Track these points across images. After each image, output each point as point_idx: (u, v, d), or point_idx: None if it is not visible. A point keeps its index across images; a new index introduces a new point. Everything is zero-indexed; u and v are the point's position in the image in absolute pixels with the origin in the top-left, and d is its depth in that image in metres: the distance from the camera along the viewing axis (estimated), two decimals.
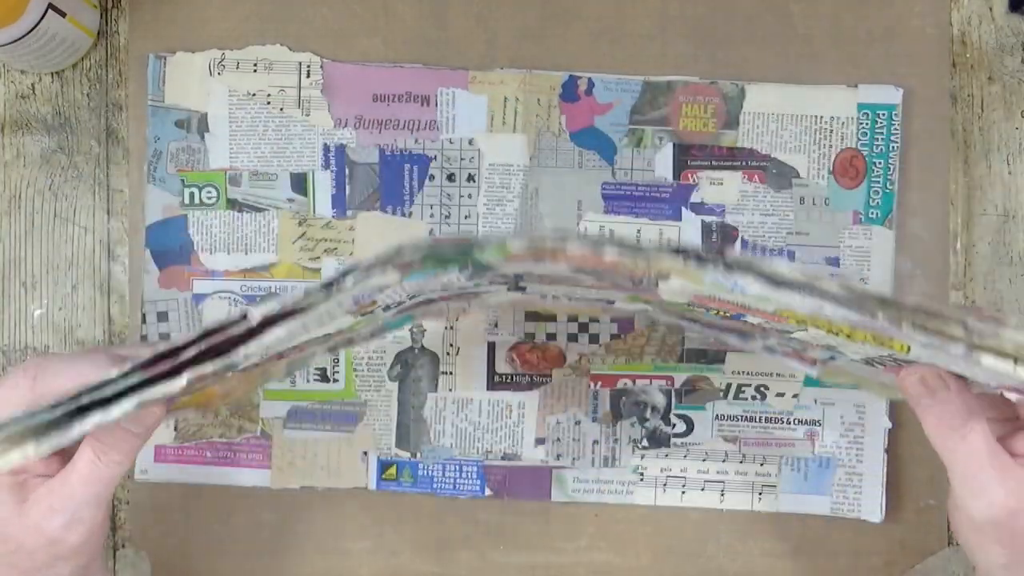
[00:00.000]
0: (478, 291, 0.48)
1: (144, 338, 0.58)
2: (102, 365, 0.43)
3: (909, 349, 0.42)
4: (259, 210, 0.59)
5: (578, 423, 0.59)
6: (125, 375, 0.39)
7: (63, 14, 0.54)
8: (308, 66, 0.59)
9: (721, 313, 0.45)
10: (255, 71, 0.59)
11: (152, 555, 0.57)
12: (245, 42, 0.59)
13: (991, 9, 0.60)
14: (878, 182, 0.59)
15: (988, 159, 0.60)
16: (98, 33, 0.59)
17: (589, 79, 0.59)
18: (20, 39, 0.53)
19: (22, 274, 0.59)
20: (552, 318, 0.59)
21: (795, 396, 0.59)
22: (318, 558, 0.58)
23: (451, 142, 0.59)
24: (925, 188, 0.58)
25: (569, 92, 0.59)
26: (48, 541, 0.43)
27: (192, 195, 0.59)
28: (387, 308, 0.46)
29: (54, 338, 0.58)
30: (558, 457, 0.59)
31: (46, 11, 0.53)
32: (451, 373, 0.59)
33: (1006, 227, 0.60)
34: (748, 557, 0.59)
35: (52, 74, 0.59)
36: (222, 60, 0.58)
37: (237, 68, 0.58)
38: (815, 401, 0.59)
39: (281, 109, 0.59)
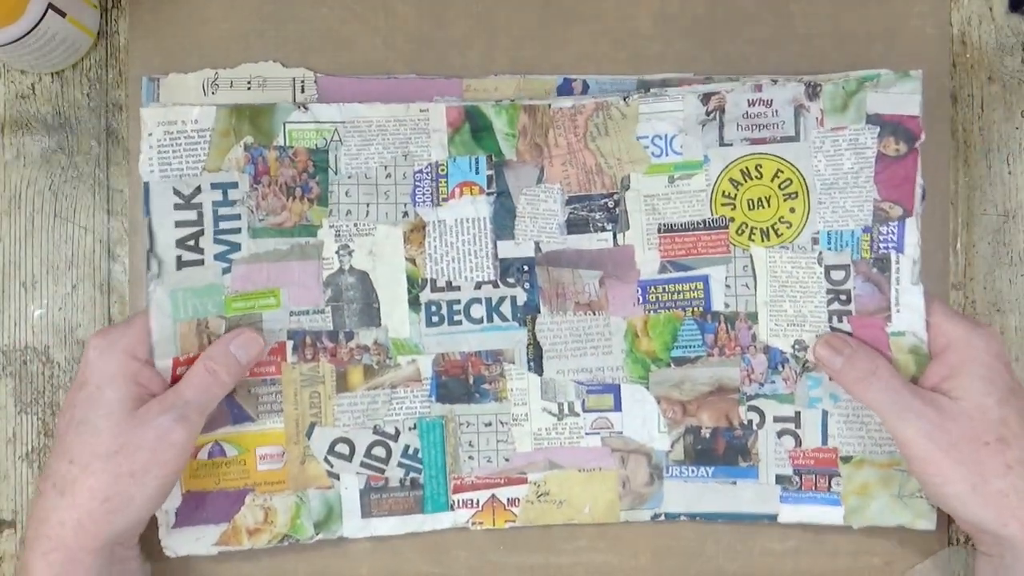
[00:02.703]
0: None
1: None
2: None
3: None
4: None
5: None
6: None
7: (63, 14, 0.54)
8: (302, 81, 0.58)
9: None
10: (249, 88, 0.58)
11: (152, 555, 0.57)
12: (245, 41, 0.59)
13: (991, 9, 0.60)
14: None
15: (988, 159, 0.60)
16: (98, 33, 0.59)
17: (584, 81, 0.59)
18: (20, 39, 0.53)
19: (22, 274, 0.59)
20: None
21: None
22: (318, 558, 0.58)
23: None
24: (925, 188, 0.58)
25: (565, 95, 0.59)
26: (156, 436, 0.50)
27: None
28: None
29: (54, 338, 0.58)
30: None
31: (46, 11, 0.53)
32: None
33: (1006, 227, 0.60)
34: (748, 557, 0.59)
35: (52, 74, 0.59)
36: (215, 79, 0.58)
37: (231, 87, 0.58)
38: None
39: None
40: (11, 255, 0.59)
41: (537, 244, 0.57)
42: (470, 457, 0.57)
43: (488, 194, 0.57)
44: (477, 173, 0.57)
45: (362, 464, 0.57)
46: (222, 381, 0.53)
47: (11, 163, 0.59)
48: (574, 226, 0.57)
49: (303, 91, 0.58)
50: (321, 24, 0.59)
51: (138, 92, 0.58)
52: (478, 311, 0.57)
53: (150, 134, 0.54)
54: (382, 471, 0.57)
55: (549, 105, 0.57)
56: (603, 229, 0.57)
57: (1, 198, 0.59)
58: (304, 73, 0.59)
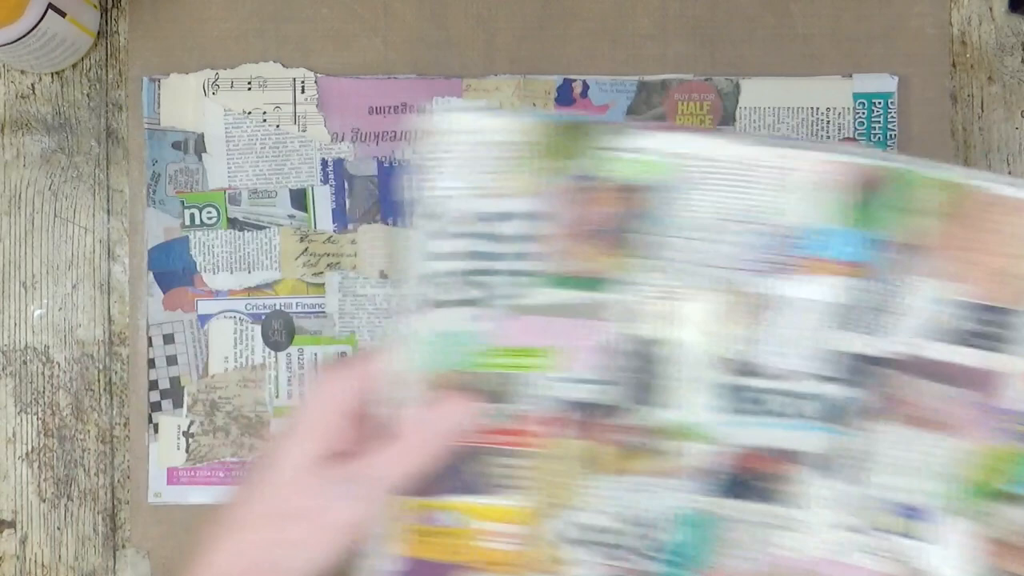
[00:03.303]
0: None
1: (151, 362, 0.58)
2: None
3: None
4: (260, 228, 0.59)
5: None
6: None
7: (63, 14, 0.54)
8: (303, 82, 0.59)
9: None
10: (249, 89, 0.58)
11: (152, 556, 0.57)
12: (245, 41, 0.59)
13: (991, 9, 0.60)
14: None
15: (988, 159, 0.60)
16: (98, 33, 0.59)
17: (584, 82, 0.59)
18: (20, 39, 0.53)
19: (22, 274, 0.59)
20: None
21: None
22: None
23: None
24: None
25: (564, 96, 0.59)
26: (318, 509, 0.43)
27: (192, 216, 0.59)
28: None
29: (54, 338, 0.58)
30: None
31: (46, 11, 0.53)
32: None
33: None
34: None
35: (52, 74, 0.59)
36: (216, 80, 0.58)
37: (231, 87, 0.58)
38: None
39: (277, 126, 0.59)
40: (11, 255, 0.59)
41: (891, 343, 0.45)
42: (729, 557, 0.48)
43: (853, 277, 0.44)
44: (851, 249, 0.44)
45: (608, 555, 0.47)
46: (422, 453, 0.45)
47: (11, 163, 0.59)
48: (950, 335, 0.45)
49: (303, 91, 0.58)
50: (321, 24, 0.59)
51: (138, 92, 0.58)
52: (791, 405, 0.47)
53: (447, 150, 0.43)
54: (629, 562, 0.47)
55: (986, 188, 0.43)
56: (980, 347, 0.45)
57: (1, 198, 0.59)
58: (304, 73, 0.59)
